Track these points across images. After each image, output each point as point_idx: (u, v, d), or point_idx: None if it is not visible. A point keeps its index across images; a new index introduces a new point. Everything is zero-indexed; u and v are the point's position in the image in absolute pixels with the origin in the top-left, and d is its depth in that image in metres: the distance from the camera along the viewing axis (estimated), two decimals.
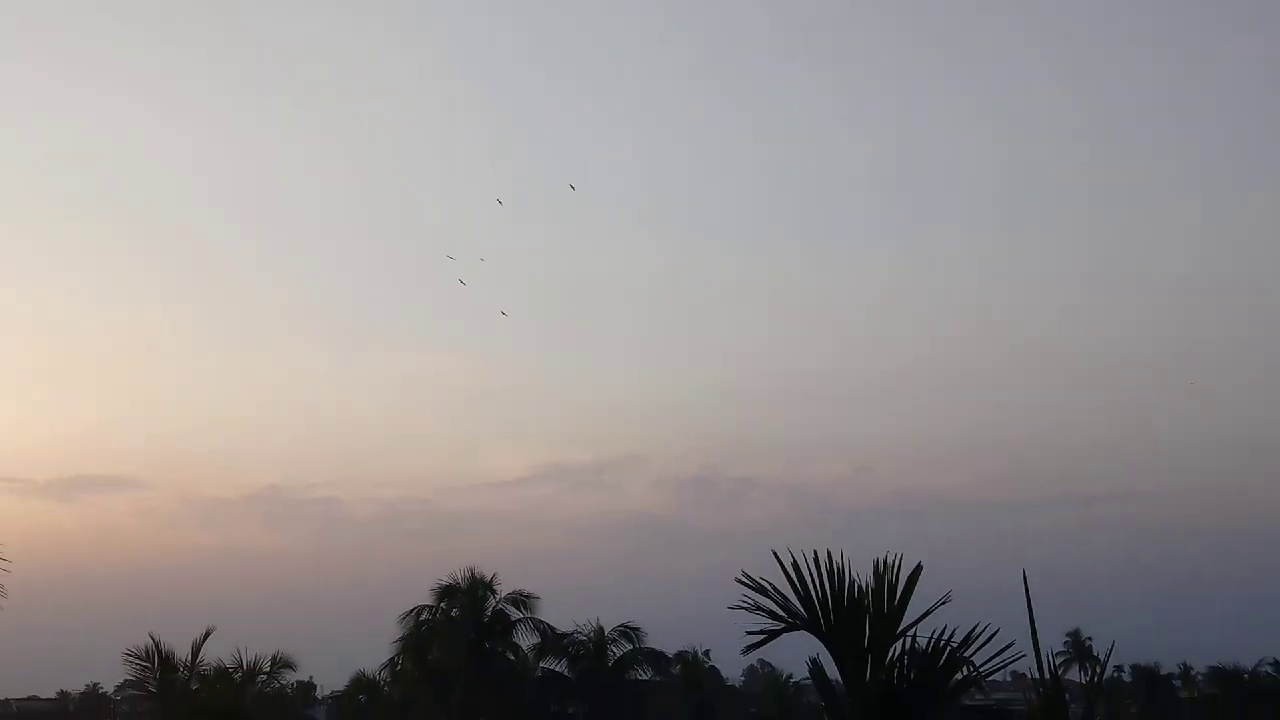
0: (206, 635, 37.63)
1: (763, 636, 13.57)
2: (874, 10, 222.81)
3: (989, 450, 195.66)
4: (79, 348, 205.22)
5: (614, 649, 56.19)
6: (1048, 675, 13.50)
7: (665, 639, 62.64)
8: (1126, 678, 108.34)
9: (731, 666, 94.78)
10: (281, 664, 40.00)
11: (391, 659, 55.74)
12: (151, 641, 37.07)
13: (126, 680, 38.51)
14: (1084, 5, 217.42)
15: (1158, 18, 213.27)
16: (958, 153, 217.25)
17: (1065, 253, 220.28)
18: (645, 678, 58.25)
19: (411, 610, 54.72)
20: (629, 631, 56.53)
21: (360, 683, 60.68)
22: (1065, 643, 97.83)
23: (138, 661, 37.00)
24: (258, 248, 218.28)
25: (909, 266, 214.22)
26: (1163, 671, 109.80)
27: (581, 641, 55.96)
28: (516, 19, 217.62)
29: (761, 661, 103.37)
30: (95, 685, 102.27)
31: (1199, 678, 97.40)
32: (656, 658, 59.59)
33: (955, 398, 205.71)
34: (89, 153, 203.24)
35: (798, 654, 13.89)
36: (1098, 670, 59.13)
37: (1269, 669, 70.04)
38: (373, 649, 57.59)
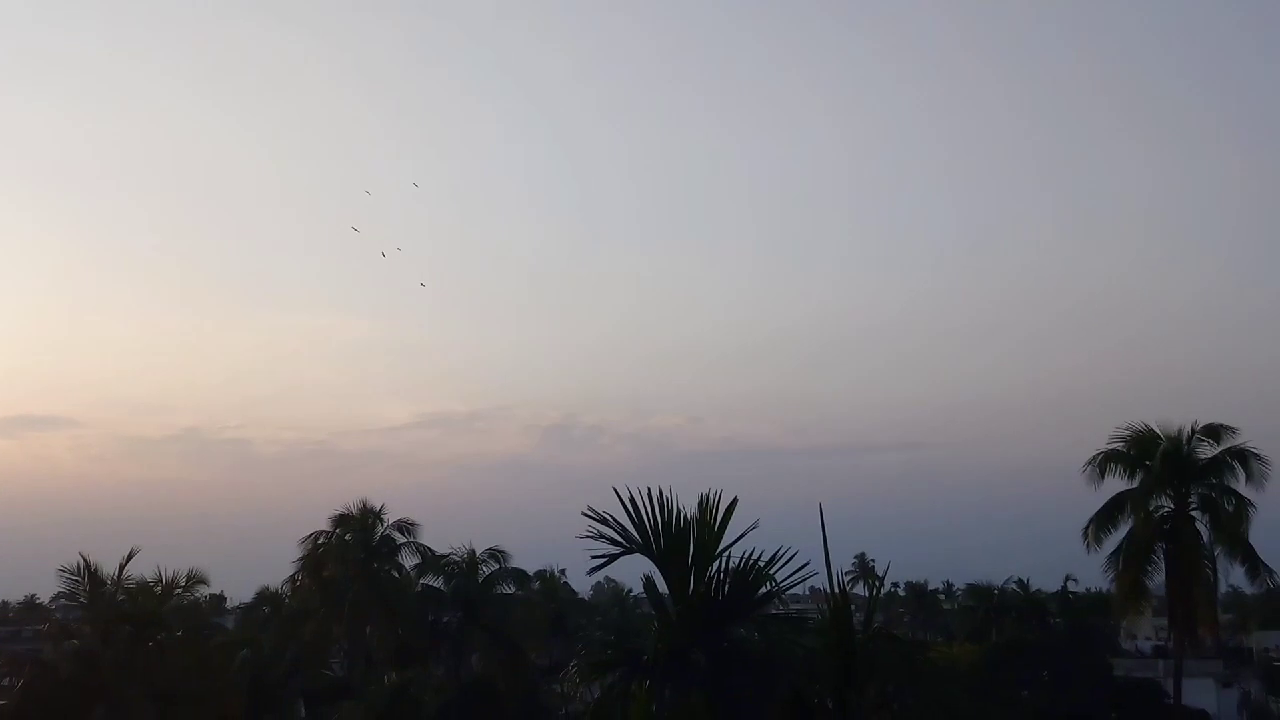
0: (131, 555, 36.34)
1: (605, 559, 13.66)
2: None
3: (796, 406, 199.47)
4: (27, 303, 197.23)
5: (484, 568, 55.75)
6: (837, 590, 13.80)
7: (527, 560, 62.74)
8: (901, 592, 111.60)
9: (582, 583, 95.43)
10: (196, 579, 38.71)
11: (292, 576, 54.59)
12: (82, 559, 35.70)
13: (60, 592, 36.91)
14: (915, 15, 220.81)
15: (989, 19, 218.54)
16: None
17: (847, 237, 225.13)
18: (510, 592, 58.04)
19: (310, 535, 53.58)
20: (496, 554, 56.15)
21: (265, 596, 59.57)
22: (853, 563, 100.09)
23: (70, 576, 35.63)
24: (186, 221, 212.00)
25: (719, 252, 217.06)
26: (930, 588, 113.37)
27: (456, 562, 55.42)
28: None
29: (607, 578, 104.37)
30: (33, 596, 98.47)
31: (958, 593, 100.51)
32: (519, 576, 59.40)
33: (768, 362, 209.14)
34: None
35: (636, 572, 14.00)
36: (877, 585, 60.64)
37: (1014, 586, 72.72)
38: (276, 567, 56.50)
